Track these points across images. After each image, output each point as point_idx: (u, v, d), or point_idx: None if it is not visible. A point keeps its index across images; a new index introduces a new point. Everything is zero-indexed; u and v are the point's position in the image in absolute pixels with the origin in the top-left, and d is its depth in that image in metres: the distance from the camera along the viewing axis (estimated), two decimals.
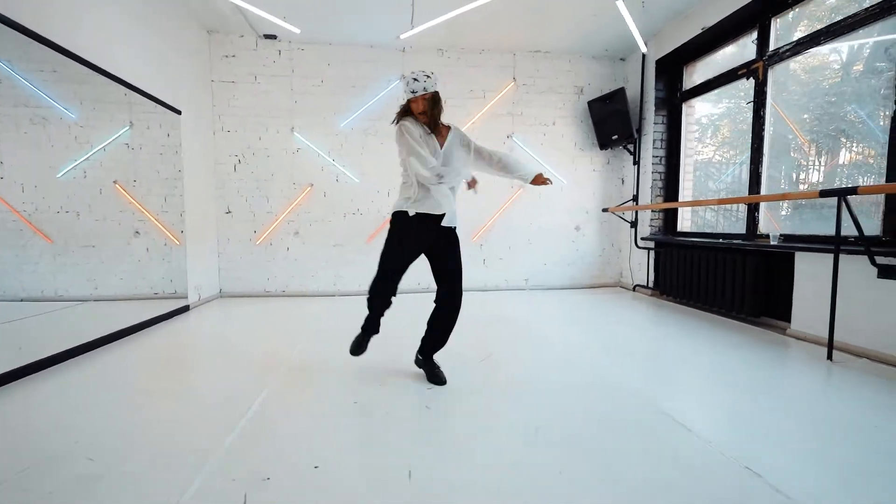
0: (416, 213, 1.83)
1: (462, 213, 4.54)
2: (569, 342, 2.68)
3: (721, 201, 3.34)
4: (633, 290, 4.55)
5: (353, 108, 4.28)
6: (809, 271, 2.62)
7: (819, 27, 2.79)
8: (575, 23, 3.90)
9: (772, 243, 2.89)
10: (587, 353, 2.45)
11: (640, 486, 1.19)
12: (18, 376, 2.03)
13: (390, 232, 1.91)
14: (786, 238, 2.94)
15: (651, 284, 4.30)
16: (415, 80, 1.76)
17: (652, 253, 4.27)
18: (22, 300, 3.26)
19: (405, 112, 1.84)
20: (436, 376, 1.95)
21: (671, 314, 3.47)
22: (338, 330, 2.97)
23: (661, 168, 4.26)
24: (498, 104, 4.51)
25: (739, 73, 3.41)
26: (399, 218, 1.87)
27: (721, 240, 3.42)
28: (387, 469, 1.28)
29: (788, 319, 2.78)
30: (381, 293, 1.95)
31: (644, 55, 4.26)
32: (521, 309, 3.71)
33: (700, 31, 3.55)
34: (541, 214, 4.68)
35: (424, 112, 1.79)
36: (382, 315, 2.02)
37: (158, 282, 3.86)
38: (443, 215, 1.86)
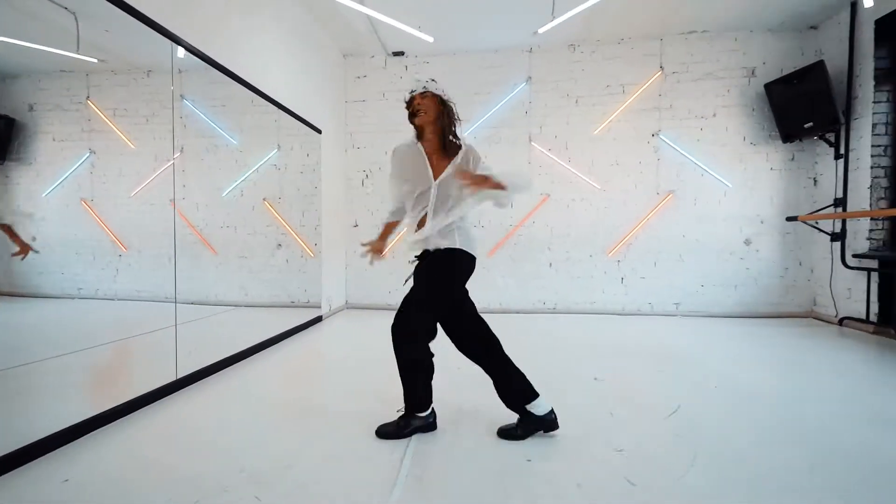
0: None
1: (596, 223, 4.02)
2: (783, 398, 1.96)
3: None
4: (840, 323, 3.43)
5: (476, 117, 4.10)
6: None
7: None
8: None
9: None
10: (819, 414, 1.73)
11: None
12: (177, 388, 2.14)
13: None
14: None
15: (873, 318, 3.16)
16: (417, 80, 1.59)
17: (875, 276, 3.15)
18: (192, 303, 3.68)
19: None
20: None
21: None
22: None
23: (885, 161, 3.16)
24: (641, 99, 3.90)
25: None
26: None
27: None
28: None
29: None
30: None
31: (854, 15, 3.25)
32: (684, 343, 3.00)
33: None
34: (697, 224, 3.87)
35: (420, 113, 1.56)
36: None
37: (294, 291, 4.10)
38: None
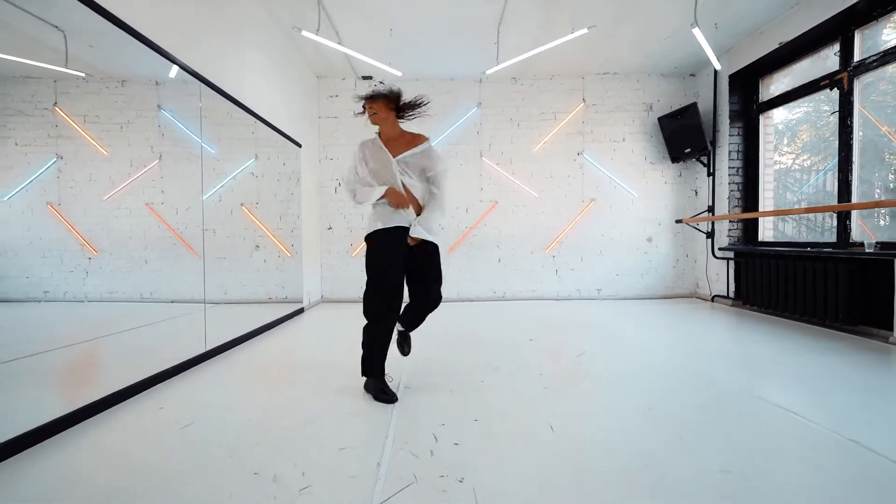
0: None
1: (535, 225, 4.91)
2: (657, 346, 2.85)
3: (809, 209, 3.36)
4: (712, 300, 4.54)
5: (436, 134, 4.79)
6: None
7: None
8: (645, 46, 4.14)
9: (867, 251, 2.89)
10: (677, 354, 2.62)
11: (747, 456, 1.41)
12: (162, 379, 2.61)
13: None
14: (883, 245, 2.91)
15: (732, 295, 4.28)
16: (369, 87, 1.97)
17: (732, 263, 4.27)
18: (172, 301, 4.01)
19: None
20: (400, 345, 2.18)
21: (759, 323, 3.49)
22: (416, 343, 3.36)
23: (738, 179, 4.30)
24: (568, 124, 4.82)
25: (822, 83, 3.45)
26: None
27: (809, 248, 3.41)
28: None
29: (891, 328, 2.75)
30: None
31: (716, 71, 4.38)
32: (600, 317, 3.90)
33: (777, 46, 3.65)
34: (612, 226, 4.85)
35: (372, 115, 1.91)
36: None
37: (272, 288, 4.52)
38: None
